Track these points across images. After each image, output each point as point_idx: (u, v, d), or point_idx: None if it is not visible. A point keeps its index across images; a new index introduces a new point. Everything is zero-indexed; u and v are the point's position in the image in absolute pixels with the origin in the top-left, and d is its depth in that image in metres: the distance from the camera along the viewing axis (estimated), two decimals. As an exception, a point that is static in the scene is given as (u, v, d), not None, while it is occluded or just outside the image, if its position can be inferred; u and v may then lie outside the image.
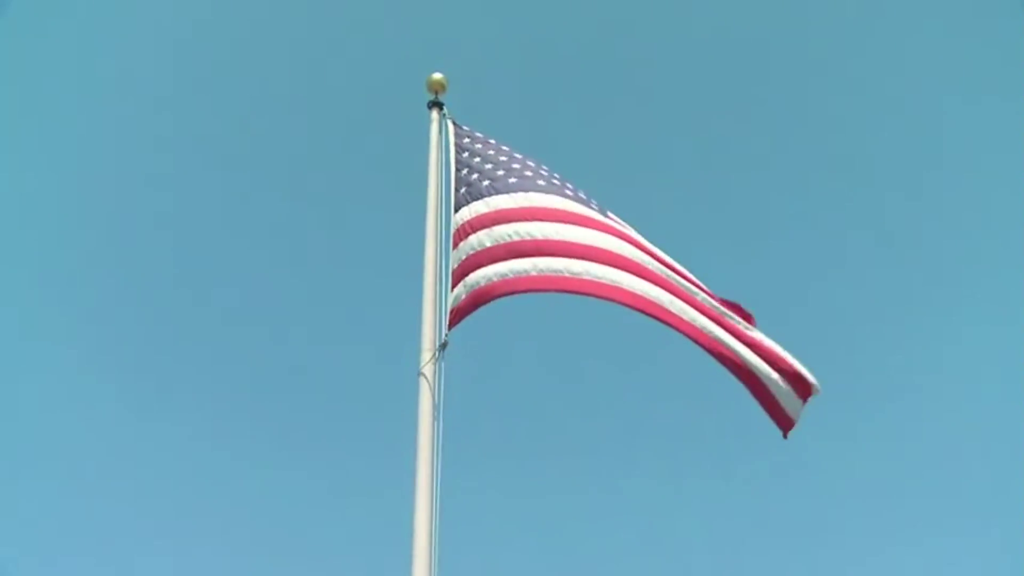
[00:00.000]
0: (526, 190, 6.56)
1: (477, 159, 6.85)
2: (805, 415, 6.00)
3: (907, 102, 17.73)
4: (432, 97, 7.34)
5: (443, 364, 5.89)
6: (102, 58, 16.94)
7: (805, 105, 18.69)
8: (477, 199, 6.49)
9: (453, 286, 6.09)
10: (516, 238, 6.26)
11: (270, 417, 16.54)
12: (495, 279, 6.07)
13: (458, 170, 6.80)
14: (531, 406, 16.99)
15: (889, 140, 18.05)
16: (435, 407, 5.68)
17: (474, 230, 6.28)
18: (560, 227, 6.32)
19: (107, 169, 17.00)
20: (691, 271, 6.38)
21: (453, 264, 6.22)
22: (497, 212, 6.38)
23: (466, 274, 6.11)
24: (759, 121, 18.83)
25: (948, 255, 17.27)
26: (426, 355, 5.86)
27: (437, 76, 7.40)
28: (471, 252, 6.19)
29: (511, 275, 6.09)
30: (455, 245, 6.30)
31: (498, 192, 6.52)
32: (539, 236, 6.26)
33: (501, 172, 6.70)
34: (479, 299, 6.03)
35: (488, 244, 6.20)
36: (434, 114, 7.21)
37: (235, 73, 18.32)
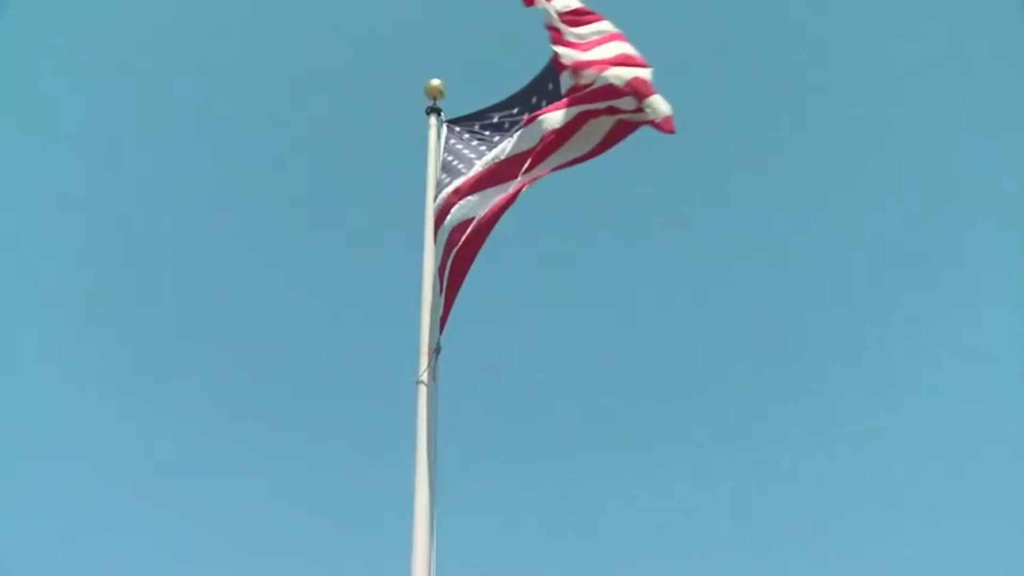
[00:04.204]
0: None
1: (456, 162, 6.69)
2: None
3: (905, 102, 17.80)
4: (430, 103, 7.39)
5: (440, 369, 5.95)
6: (100, 58, 17.00)
7: (804, 104, 18.73)
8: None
9: (441, 293, 6.11)
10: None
11: (267, 419, 16.56)
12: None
13: (443, 171, 6.71)
14: (530, 409, 17.05)
15: (889, 140, 18.10)
16: (432, 411, 5.74)
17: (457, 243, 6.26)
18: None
19: (106, 169, 17.05)
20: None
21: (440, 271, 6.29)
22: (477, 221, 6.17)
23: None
24: (760, 120, 18.86)
25: (946, 255, 17.31)
26: (424, 360, 5.91)
27: (435, 82, 7.45)
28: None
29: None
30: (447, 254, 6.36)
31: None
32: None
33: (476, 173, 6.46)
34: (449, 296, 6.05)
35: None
36: (432, 120, 7.26)
37: (231, 76, 18.36)
